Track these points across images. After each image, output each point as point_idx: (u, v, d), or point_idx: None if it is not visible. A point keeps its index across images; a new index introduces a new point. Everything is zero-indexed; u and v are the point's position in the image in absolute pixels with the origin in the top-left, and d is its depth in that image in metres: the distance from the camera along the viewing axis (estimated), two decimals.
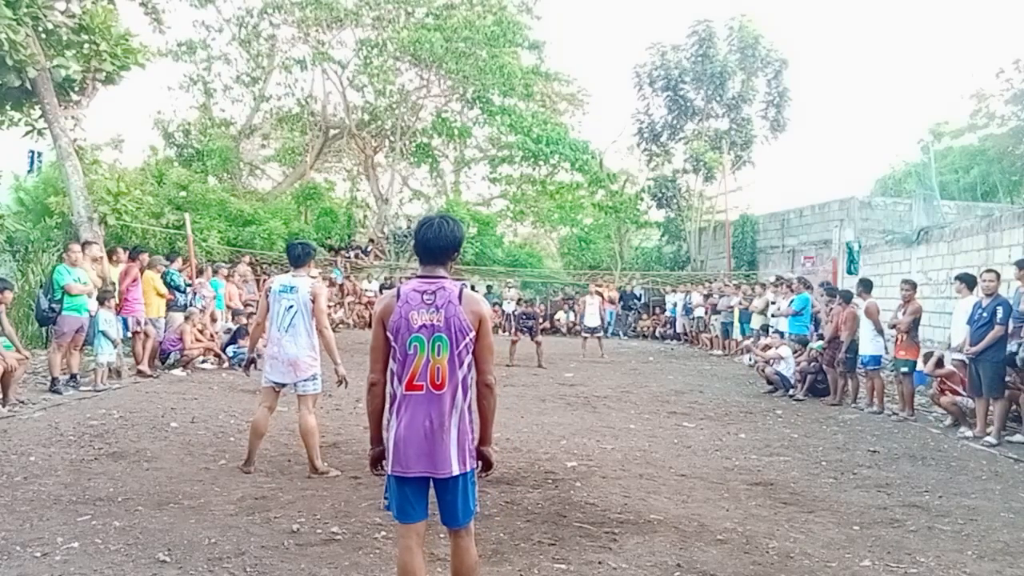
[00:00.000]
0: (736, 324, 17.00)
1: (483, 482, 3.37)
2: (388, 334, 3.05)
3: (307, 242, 6.37)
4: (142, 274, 10.95)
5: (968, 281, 9.09)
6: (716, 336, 18.24)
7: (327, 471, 5.82)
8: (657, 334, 22.10)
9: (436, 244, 3.08)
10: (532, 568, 4.10)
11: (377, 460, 3.22)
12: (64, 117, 13.62)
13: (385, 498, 3.18)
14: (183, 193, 20.19)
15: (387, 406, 3.14)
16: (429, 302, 3.00)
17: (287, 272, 6.05)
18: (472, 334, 3.03)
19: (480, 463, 3.19)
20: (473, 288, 4.51)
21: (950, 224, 14.19)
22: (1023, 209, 11.60)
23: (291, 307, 5.70)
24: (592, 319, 16.29)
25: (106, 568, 3.89)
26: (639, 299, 24.03)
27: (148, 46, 15.18)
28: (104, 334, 9.62)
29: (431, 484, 3.10)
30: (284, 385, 5.78)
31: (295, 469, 5.95)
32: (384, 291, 22.33)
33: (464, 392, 3.05)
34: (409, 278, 3.42)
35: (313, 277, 6.16)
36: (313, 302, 5.73)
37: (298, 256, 5.85)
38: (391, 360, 3.09)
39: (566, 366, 14.27)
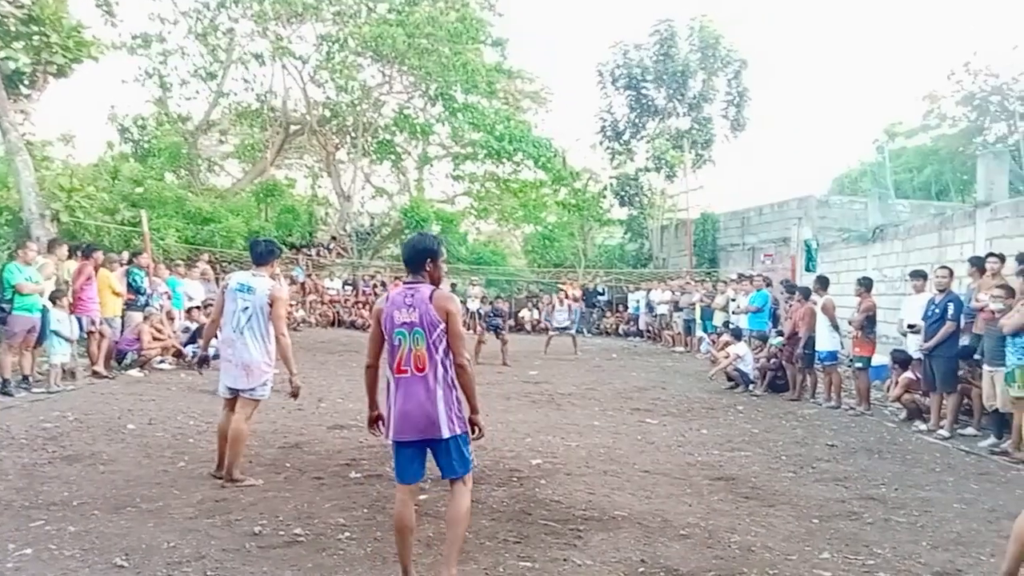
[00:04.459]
0: (698, 321, 17.20)
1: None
2: (382, 329, 3.75)
3: (272, 240, 6.08)
4: (96, 272, 10.68)
5: (922, 278, 9.31)
6: (679, 333, 18.43)
7: (243, 479, 5.47)
8: (620, 331, 22.24)
9: (408, 255, 3.80)
10: (498, 566, 4.10)
11: (374, 421, 3.95)
12: (13, 111, 13.25)
13: (391, 468, 3.89)
14: (139, 189, 19.73)
15: (385, 387, 3.82)
16: (408, 303, 3.69)
17: (248, 270, 5.77)
18: (442, 326, 3.67)
19: (475, 429, 3.84)
20: None
21: (904, 222, 14.52)
22: (974, 208, 11.93)
23: (246, 308, 5.41)
24: (559, 317, 16.68)
25: (60, 575, 3.79)
26: (603, 296, 24.18)
27: (101, 39, 14.87)
28: (57, 333, 9.37)
29: (427, 452, 3.74)
30: (239, 391, 5.48)
31: (256, 470, 5.85)
32: (346, 287, 22.55)
33: (445, 370, 3.69)
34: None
35: (274, 278, 5.86)
36: (271, 305, 5.44)
37: (261, 254, 5.60)
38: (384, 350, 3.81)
39: (531, 364, 14.30)
